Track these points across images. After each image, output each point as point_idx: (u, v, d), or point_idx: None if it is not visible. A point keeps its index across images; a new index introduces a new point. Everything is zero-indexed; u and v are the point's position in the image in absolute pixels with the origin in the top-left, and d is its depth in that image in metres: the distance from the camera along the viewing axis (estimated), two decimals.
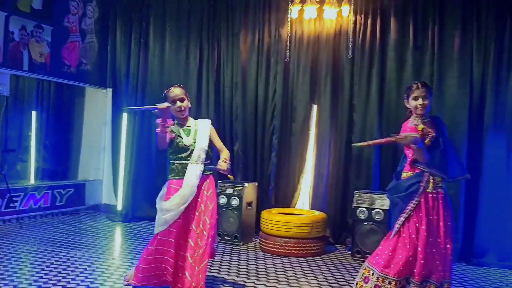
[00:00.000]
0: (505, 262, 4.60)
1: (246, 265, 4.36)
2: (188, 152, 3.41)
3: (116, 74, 6.64)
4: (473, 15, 4.78)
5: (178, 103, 3.42)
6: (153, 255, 3.33)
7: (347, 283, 3.93)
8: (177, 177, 3.40)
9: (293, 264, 4.45)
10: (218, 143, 3.63)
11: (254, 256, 4.70)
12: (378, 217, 4.55)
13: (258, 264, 4.41)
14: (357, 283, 3.26)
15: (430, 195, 3.14)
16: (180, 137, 3.42)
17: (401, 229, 3.15)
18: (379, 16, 5.19)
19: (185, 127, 3.49)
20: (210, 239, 3.36)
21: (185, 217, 3.37)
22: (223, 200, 5.18)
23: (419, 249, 3.08)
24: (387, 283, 3.10)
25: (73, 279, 3.74)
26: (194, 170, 3.38)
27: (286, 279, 3.98)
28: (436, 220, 3.13)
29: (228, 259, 4.55)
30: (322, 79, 5.45)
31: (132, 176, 6.34)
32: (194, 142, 3.43)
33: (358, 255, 4.64)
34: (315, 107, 5.53)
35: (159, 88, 6.28)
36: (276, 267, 4.34)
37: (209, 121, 3.63)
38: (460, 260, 4.74)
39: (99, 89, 6.92)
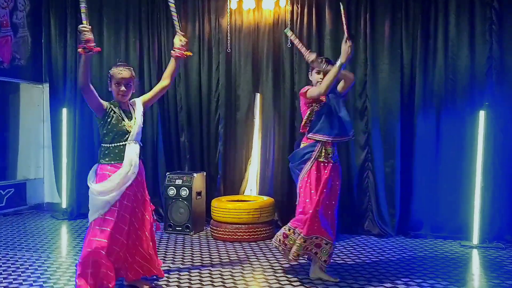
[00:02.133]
0: (438, 233, 5.00)
1: (200, 253, 4.47)
2: (128, 134, 3.28)
3: (52, 69, 6.43)
4: (402, 4, 5.08)
5: (123, 88, 3.29)
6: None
7: (296, 262, 4.16)
8: (113, 162, 3.24)
9: (245, 249, 4.62)
10: (154, 90, 3.59)
11: (206, 244, 4.82)
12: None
13: (211, 252, 4.53)
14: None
15: (322, 164, 3.59)
16: (123, 120, 3.28)
17: None
18: (315, 6, 5.39)
19: (126, 111, 3.36)
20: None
21: (131, 201, 3.28)
22: (172, 191, 5.23)
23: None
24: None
25: (24, 280, 3.69)
26: (134, 149, 3.26)
27: (240, 264, 4.14)
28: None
29: (181, 248, 4.64)
30: (264, 69, 5.60)
31: (76, 173, 6.22)
32: (134, 124, 3.32)
33: None
34: (258, 95, 5.68)
35: (98, 82, 6.17)
36: (229, 253, 4.49)
37: (138, 98, 3.51)
38: (399, 234, 5.11)
39: (34, 84, 6.68)
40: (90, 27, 3.04)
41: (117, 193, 3.18)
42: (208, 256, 4.40)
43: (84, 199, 6.16)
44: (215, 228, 4.99)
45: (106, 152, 3.28)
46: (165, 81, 3.59)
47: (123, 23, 6.09)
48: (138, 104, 3.47)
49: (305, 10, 5.42)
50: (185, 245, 4.78)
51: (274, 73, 5.56)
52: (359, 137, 5.26)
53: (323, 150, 3.60)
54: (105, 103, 3.32)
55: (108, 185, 3.17)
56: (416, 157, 5.07)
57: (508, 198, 4.69)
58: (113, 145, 3.26)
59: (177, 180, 5.25)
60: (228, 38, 5.63)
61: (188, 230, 5.19)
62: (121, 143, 3.26)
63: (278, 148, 5.58)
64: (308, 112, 3.63)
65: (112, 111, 3.30)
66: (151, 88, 5.87)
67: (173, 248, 4.64)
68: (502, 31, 4.75)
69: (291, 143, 5.52)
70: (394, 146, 5.11)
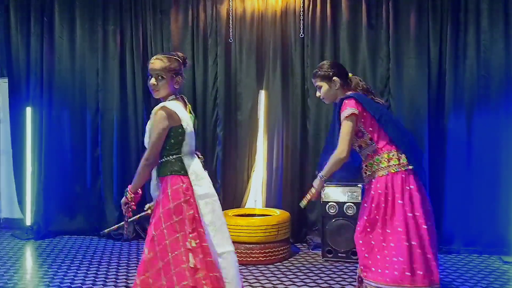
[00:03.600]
0: (472, 247, 4.48)
1: None
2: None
3: (12, 61, 5.41)
4: None
5: (152, 80, 2.54)
6: None
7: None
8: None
9: (264, 273, 3.88)
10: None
11: None
12: (350, 212, 4.15)
13: None
14: None
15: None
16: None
17: None
18: None
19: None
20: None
21: None
22: None
23: None
24: None
25: None
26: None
27: None
28: None
29: None
30: (270, 63, 4.90)
31: (43, 184, 5.26)
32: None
33: (330, 255, 4.21)
34: (263, 93, 4.97)
35: (70, 77, 5.31)
36: (248, 280, 3.72)
37: (163, 104, 2.54)
38: None
39: None
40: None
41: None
42: None
43: (53, 215, 5.32)
44: None
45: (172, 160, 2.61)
46: None
47: (99, 9, 5.21)
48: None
49: None
50: None
51: (282, 68, 4.87)
52: None
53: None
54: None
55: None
56: (447, 163, 4.53)
57: None
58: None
59: None
60: (230, 27, 4.88)
61: None
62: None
63: (287, 153, 4.88)
64: None
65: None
66: (134, 84, 5.18)
67: None
68: None
69: (302, 147, 4.85)
70: (423, 149, 4.54)
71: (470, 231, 4.48)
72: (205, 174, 2.59)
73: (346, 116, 2.68)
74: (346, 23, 4.73)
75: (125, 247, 4.83)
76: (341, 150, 2.68)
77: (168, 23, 5.10)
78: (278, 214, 4.35)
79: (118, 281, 3.76)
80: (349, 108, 2.68)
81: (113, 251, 4.65)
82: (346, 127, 2.69)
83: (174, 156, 2.51)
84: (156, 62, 2.53)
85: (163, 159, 2.53)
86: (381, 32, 4.67)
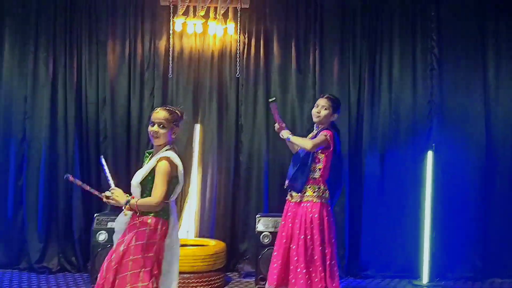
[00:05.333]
0: (386, 272, 4.98)
1: None
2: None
3: None
4: (350, 43, 5.11)
5: (154, 127, 2.77)
6: None
7: None
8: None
9: None
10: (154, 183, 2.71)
11: None
12: None
13: None
14: None
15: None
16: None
17: None
18: (263, 37, 5.16)
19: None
20: None
21: None
22: (102, 236, 4.40)
23: None
24: None
25: None
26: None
27: None
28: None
29: None
30: (207, 98, 5.15)
31: None
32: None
33: (262, 282, 4.44)
34: (198, 126, 5.18)
35: None
36: None
37: (167, 154, 2.73)
38: (348, 275, 4.96)
39: None
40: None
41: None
42: None
43: None
44: None
45: None
46: None
47: (32, 34, 5.11)
48: (152, 160, 2.75)
49: (253, 41, 5.16)
50: None
51: (218, 103, 5.14)
52: None
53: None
54: None
55: None
56: (364, 197, 5.03)
57: (457, 235, 4.87)
58: None
59: (109, 223, 4.42)
60: (170, 63, 5.07)
61: None
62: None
63: (220, 185, 5.11)
64: None
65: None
66: (66, 111, 5.10)
67: None
68: (442, 76, 5.04)
69: (235, 179, 5.11)
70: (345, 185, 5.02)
71: (384, 258, 4.98)
72: (177, 223, 2.84)
73: (325, 134, 3.57)
74: (278, 66, 5.14)
75: (50, 280, 4.66)
76: (311, 143, 3.53)
77: (105, 53, 5.14)
78: (214, 244, 4.52)
79: None
80: (328, 134, 3.58)
81: (35, 285, 4.48)
82: (321, 137, 3.59)
83: None
84: (161, 112, 2.79)
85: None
86: (308, 76, 5.14)
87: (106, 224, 4.43)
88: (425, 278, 4.71)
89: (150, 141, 4.98)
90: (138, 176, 2.75)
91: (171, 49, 5.07)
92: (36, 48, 5.10)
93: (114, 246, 2.72)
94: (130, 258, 2.58)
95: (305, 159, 3.62)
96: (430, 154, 4.79)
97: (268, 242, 4.46)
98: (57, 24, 5.11)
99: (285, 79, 5.16)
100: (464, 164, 4.94)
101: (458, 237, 4.87)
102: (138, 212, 2.67)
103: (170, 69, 5.07)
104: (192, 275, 4.19)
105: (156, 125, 2.77)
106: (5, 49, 5.11)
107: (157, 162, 2.69)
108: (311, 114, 4.97)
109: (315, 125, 3.82)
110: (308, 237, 3.49)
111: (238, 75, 5.08)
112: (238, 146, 5.13)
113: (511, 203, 5.00)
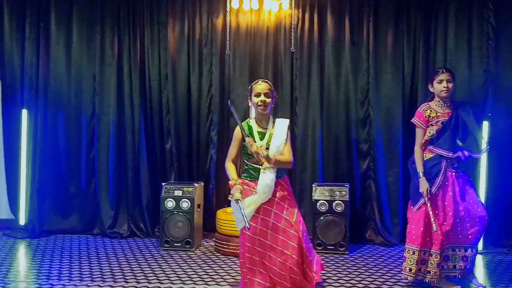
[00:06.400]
0: None
1: (207, 271, 4.09)
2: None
3: (5, 65, 5.52)
4: (404, 15, 5.15)
5: (262, 97, 3.25)
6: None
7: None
8: (249, 179, 3.29)
9: None
10: (286, 148, 3.29)
11: (212, 260, 4.43)
12: (339, 209, 4.66)
13: (220, 269, 4.17)
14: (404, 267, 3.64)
15: (449, 173, 3.61)
16: (255, 141, 3.22)
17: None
18: (317, 11, 5.27)
19: (262, 132, 3.30)
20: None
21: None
22: (171, 203, 4.74)
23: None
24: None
25: None
26: (267, 178, 3.18)
27: None
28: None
29: (186, 266, 4.23)
30: (262, 73, 5.34)
31: (37, 184, 5.40)
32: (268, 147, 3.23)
33: (319, 248, 4.69)
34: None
35: (66, 82, 5.51)
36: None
37: (287, 121, 3.35)
38: (402, 242, 5.08)
39: None
40: None
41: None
42: (216, 274, 4.05)
43: (47, 214, 5.46)
44: (222, 242, 4.59)
45: (245, 167, 3.34)
46: None
47: (98, 17, 5.45)
48: (281, 127, 3.30)
49: (307, 16, 5.28)
50: (188, 262, 4.34)
51: (273, 78, 5.32)
52: (362, 145, 5.22)
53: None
54: (238, 134, 3.31)
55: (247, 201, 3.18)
56: None
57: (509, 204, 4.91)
58: (250, 164, 3.29)
59: (176, 191, 4.76)
60: (228, 39, 5.28)
61: (188, 246, 4.72)
62: (257, 165, 3.24)
63: None
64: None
65: (247, 132, 3.26)
66: (131, 88, 5.44)
67: (176, 266, 4.21)
68: (498, 46, 4.99)
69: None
70: (397, 155, 5.13)
71: None
72: None
73: None
74: (331, 40, 5.25)
75: (122, 244, 5.06)
76: None
77: (165, 33, 5.42)
78: None
79: (116, 277, 3.92)
80: None
81: (109, 249, 4.84)
82: None
83: None
84: (264, 84, 3.30)
85: None
86: (362, 49, 5.23)
87: (173, 192, 4.77)
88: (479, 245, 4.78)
89: (210, 113, 5.33)
90: (278, 142, 3.22)
91: (228, 26, 5.28)
92: (102, 29, 5.45)
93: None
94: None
95: None
96: (485, 124, 4.80)
97: (324, 210, 4.67)
98: (121, 6, 5.44)
99: (338, 52, 5.27)
100: None
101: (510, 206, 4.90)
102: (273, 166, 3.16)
103: (228, 45, 5.28)
104: None
105: (263, 95, 3.22)
106: (73, 30, 5.47)
107: (288, 131, 3.25)
108: (364, 87, 5.16)
109: (438, 100, 3.72)
110: None
111: (293, 49, 5.24)
112: (293, 119, 5.32)
113: None
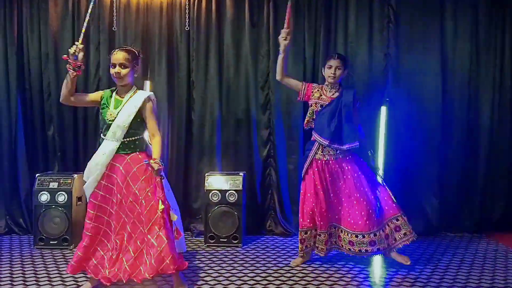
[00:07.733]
0: None
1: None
2: (105, 126, 3.10)
3: None
4: None
5: (117, 69, 3.07)
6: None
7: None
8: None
9: None
10: (150, 123, 3.16)
11: None
12: (232, 199, 4.37)
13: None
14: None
15: (319, 161, 3.79)
16: (107, 107, 3.10)
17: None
18: None
19: (119, 100, 3.13)
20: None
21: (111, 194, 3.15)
22: (45, 197, 4.24)
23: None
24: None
25: None
26: (105, 147, 3.07)
27: None
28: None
29: (52, 266, 3.78)
30: (156, 53, 4.92)
31: None
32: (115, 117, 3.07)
33: (212, 241, 4.39)
34: (148, 83, 4.97)
35: None
36: None
37: (148, 93, 3.20)
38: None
39: None
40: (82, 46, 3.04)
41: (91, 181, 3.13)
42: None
43: None
44: None
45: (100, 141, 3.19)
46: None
47: None
48: (139, 99, 3.14)
49: None
50: (58, 263, 3.87)
51: (168, 59, 4.92)
52: (263, 132, 4.97)
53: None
54: (100, 93, 3.22)
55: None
56: None
57: (409, 191, 4.85)
58: (102, 137, 3.16)
59: (51, 183, 4.27)
60: (114, 15, 4.81)
61: (66, 244, 4.25)
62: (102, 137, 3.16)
63: (172, 144, 4.96)
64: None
65: (105, 99, 3.16)
66: (7, 68, 4.84)
67: (41, 268, 3.75)
68: (398, 30, 4.89)
69: (187, 138, 4.97)
70: (297, 141, 4.93)
71: None
72: None
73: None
74: (230, 20, 4.93)
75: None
76: None
77: (46, 7, 4.86)
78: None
79: None
80: None
81: None
82: None
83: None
84: (119, 53, 3.07)
85: (139, 137, 3.15)
86: (262, 30, 4.94)
87: (48, 184, 4.27)
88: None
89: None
90: (124, 116, 3.04)
91: (115, 1, 4.80)
92: None
93: None
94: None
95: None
96: (383, 109, 4.69)
97: (217, 200, 4.37)
98: None
99: (238, 34, 4.95)
100: (419, 120, 4.87)
101: (411, 193, 4.85)
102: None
103: (114, 21, 4.81)
104: None
105: (117, 66, 3.05)
106: None
107: (145, 103, 3.09)
108: (264, 70, 4.90)
109: (326, 84, 3.87)
110: None
111: (187, 28, 4.86)
112: (190, 103, 4.96)
113: (466, 158, 5.00)
